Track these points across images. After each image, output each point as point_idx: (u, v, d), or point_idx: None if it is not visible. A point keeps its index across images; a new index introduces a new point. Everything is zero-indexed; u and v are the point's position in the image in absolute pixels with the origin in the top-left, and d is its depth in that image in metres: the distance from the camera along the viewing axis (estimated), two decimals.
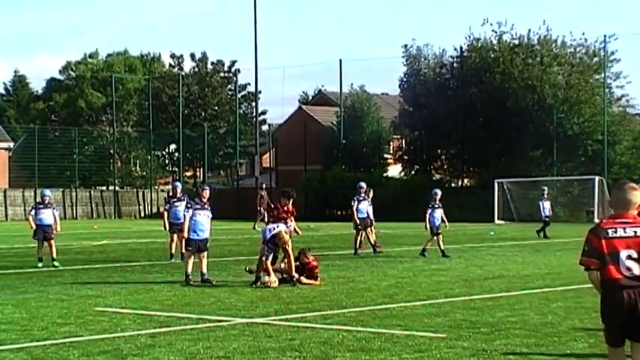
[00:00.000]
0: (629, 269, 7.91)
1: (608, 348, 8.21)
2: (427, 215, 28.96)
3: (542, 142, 62.79)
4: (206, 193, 20.88)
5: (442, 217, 29.09)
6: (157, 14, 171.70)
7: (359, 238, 29.86)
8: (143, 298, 17.47)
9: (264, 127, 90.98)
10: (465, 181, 70.20)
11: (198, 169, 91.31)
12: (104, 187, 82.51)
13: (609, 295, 8.01)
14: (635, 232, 7.98)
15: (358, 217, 29.83)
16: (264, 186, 55.51)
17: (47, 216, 26.06)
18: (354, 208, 30.01)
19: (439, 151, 71.52)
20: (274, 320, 14.27)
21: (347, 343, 12.03)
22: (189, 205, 20.99)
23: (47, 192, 27.22)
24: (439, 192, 30.16)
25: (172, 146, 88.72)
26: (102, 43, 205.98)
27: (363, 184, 31.21)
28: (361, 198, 30.35)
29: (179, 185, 28.73)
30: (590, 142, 62.05)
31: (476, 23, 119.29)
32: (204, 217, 20.53)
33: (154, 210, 79.90)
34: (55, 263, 25.28)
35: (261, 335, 12.77)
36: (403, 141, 74.94)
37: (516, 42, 65.85)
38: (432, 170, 71.09)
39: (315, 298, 17.12)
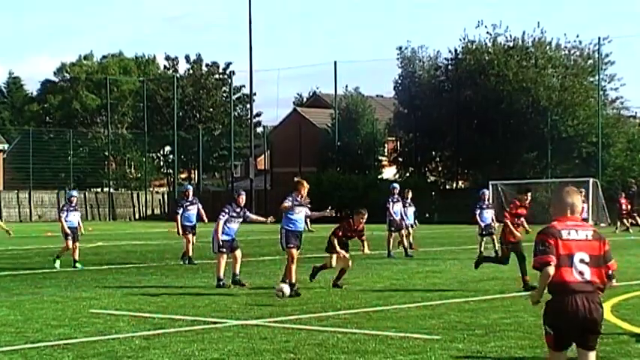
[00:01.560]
0: (581, 273, 7.74)
1: (550, 352, 7.99)
2: (477, 216, 28.96)
3: (537, 144, 62.99)
4: (242, 199, 20.27)
5: (493, 218, 29.09)
6: (152, 16, 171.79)
7: (404, 240, 29.59)
8: (138, 300, 17.51)
9: (259, 129, 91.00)
10: (460, 183, 70.32)
11: (192, 171, 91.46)
12: (99, 189, 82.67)
13: (561, 299, 7.77)
14: (587, 235, 7.88)
15: (394, 219, 29.65)
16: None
17: (76, 218, 26.16)
18: (390, 210, 29.72)
19: (434, 153, 71.69)
20: (269, 322, 14.31)
21: (341, 345, 12.08)
22: (226, 210, 19.99)
23: (75, 193, 27.33)
24: (487, 192, 30.31)
25: (167, 148, 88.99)
26: (97, 44, 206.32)
27: (397, 185, 31.06)
28: (395, 199, 30.08)
29: (191, 188, 28.57)
30: (585, 145, 62.19)
31: (470, 25, 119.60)
32: (236, 225, 20.08)
33: (149, 212, 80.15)
34: (78, 265, 25.41)
35: (255, 337, 12.81)
36: (398, 143, 75.21)
37: (511, 44, 65.99)
38: (427, 172, 71.13)
39: (310, 300, 17.23)
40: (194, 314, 15.27)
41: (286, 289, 17.10)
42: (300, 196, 18.54)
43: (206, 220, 27.55)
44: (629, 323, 13.90)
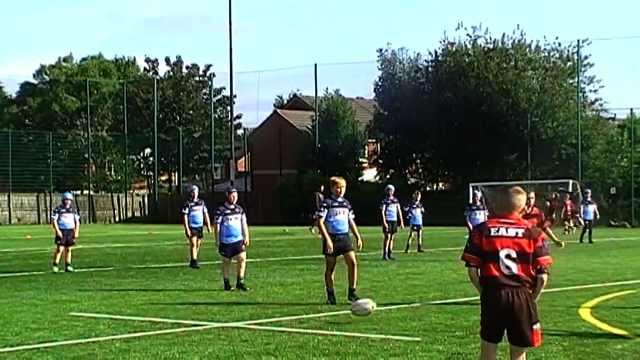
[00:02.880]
0: (508, 268, 8.13)
1: (481, 342, 8.46)
2: (467, 218, 29.05)
3: (517, 145, 63.54)
4: (233, 196, 20.09)
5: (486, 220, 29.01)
6: (132, 18, 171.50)
7: (388, 242, 29.24)
8: (118, 302, 17.48)
9: (240, 132, 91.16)
10: (440, 184, 70.64)
11: (173, 174, 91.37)
12: (79, 192, 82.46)
13: (488, 293, 8.27)
14: (517, 232, 8.20)
15: (387, 221, 29.33)
16: (322, 188, 51.74)
17: (70, 220, 25.70)
18: (383, 212, 29.47)
19: (414, 154, 72.13)
20: (249, 324, 14.30)
21: (322, 347, 12.08)
22: (218, 212, 19.94)
23: (69, 195, 26.85)
24: (478, 193, 30.45)
25: (147, 150, 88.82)
26: (76, 47, 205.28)
27: (392, 187, 30.66)
28: (389, 201, 29.76)
29: (196, 189, 27.95)
30: (564, 146, 62.82)
31: (450, 28, 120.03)
32: (235, 222, 19.79)
33: (129, 214, 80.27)
34: (70, 268, 25.05)
35: (236, 339, 12.78)
36: (378, 145, 75.57)
37: (491, 46, 66.55)
38: (407, 174, 71.53)
39: (291, 302, 17.26)
40: (175, 317, 15.24)
41: (367, 306, 14.85)
42: (338, 195, 17.10)
43: (209, 228, 26.51)
44: (608, 324, 13.98)
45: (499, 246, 8.16)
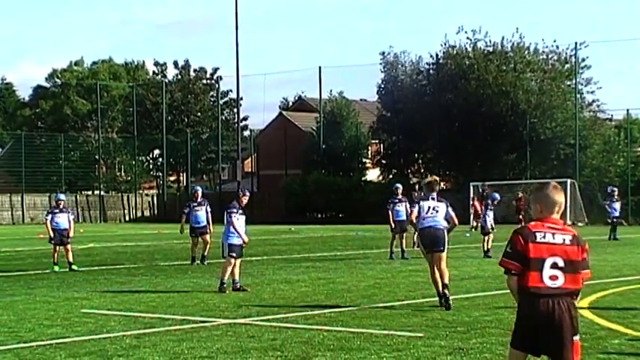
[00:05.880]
0: (552, 278, 7.39)
1: (509, 350, 7.68)
2: (485, 216, 29.53)
3: (516, 146, 63.91)
4: (245, 200, 19.69)
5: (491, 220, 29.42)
6: (141, 23, 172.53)
7: (394, 242, 28.89)
8: (128, 299, 17.65)
9: (246, 133, 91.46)
10: (442, 184, 71.01)
11: (181, 174, 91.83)
12: (90, 192, 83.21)
13: (527, 301, 7.46)
14: (564, 239, 7.47)
15: (394, 220, 29.10)
16: (417, 187, 50.52)
17: (63, 220, 25.81)
18: (390, 211, 29.23)
19: (416, 155, 72.46)
20: (256, 321, 14.44)
21: (327, 343, 12.22)
22: (234, 211, 19.37)
23: (62, 196, 27.02)
24: (498, 196, 30.94)
25: (156, 151, 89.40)
26: (87, 51, 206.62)
27: (399, 186, 30.29)
28: (396, 200, 29.49)
29: (199, 190, 28.11)
30: (563, 146, 63.15)
31: (451, 31, 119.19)
32: (243, 222, 19.41)
33: (139, 214, 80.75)
34: (74, 267, 25.06)
35: (243, 335, 12.94)
36: (381, 146, 75.94)
37: (490, 49, 66.88)
38: (410, 174, 71.72)
39: (296, 299, 17.45)
40: (183, 313, 15.40)
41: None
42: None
43: (211, 228, 26.84)
44: (606, 320, 14.12)
45: (546, 253, 7.36)
